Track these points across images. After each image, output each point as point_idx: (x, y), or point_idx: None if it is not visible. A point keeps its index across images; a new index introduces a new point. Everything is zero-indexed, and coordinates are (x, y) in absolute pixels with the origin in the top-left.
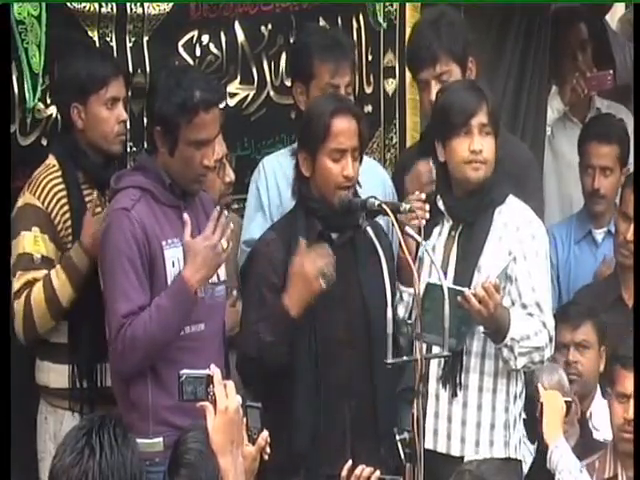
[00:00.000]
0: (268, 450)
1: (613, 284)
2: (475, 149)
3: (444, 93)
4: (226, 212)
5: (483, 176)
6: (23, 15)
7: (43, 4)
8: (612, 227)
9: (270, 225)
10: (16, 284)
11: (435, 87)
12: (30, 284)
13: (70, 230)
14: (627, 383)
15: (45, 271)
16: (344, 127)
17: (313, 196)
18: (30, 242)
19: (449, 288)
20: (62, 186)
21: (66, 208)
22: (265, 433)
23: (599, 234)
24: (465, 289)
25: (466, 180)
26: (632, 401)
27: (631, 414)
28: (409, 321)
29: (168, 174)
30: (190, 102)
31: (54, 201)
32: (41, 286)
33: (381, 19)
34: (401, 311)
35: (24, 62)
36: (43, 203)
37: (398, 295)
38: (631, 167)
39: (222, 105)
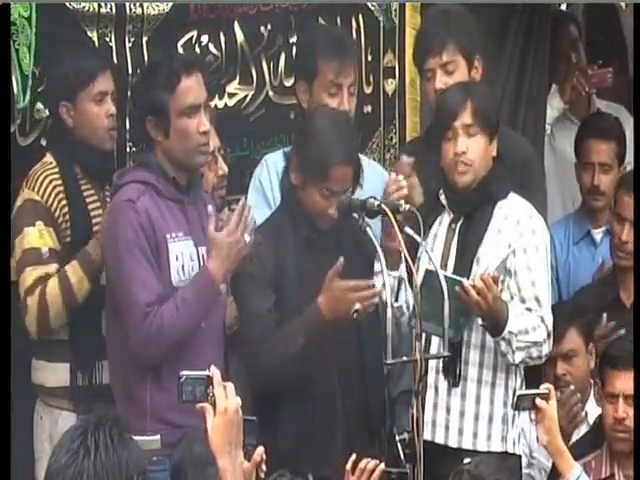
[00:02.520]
0: (264, 467)
1: (611, 285)
2: (458, 151)
3: (437, 98)
4: (226, 210)
5: (470, 180)
6: (14, 16)
7: (33, 5)
8: None
9: (259, 225)
10: (28, 280)
11: (440, 76)
12: (42, 280)
13: (69, 224)
14: (616, 383)
15: (55, 265)
16: (342, 176)
17: (299, 202)
18: (36, 236)
19: (448, 277)
20: (60, 181)
21: (64, 202)
22: (261, 449)
23: (597, 234)
24: (464, 280)
25: (454, 184)
26: (621, 400)
27: (621, 413)
28: (396, 304)
29: (171, 160)
30: (170, 72)
31: (52, 195)
32: (57, 282)
33: (394, 16)
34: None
35: (15, 63)
36: (42, 197)
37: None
38: (629, 166)
39: (221, 105)
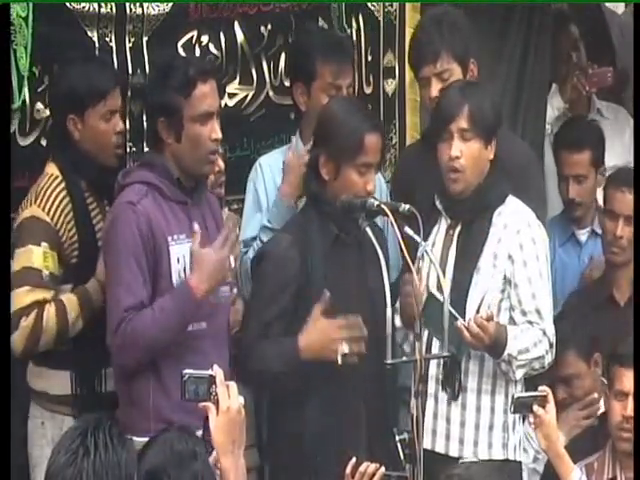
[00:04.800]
0: None
1: (603, 284)
2: (452, 155)
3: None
4: (226, 210)
5: (462, 188)
6: (12, 16)
7: (30, 5)
8: (596, 227)
9: (283, 227)
10: (24, 300)
11: (435, 84)
12: (39, 304)
13: (76, 245)
14: (625, 381)
15: (53, 291)
16: (375, 144)
17: (328, 199)
18: (39, 258)
19: (449, 311)
20: (67, 199)
21: (72, 222)
22: None
23: (582, 235)
24: (459, 321)
25: (448, 191)
26: (631, 398)
27: (629, 411)
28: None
29: (178, 163)
30: (185, 78)
31: (62, 216)
32: (54, 313)
33: (346, 25)
34: (397, 321)
35: (12, 64)
36: (52, 219)
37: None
38: (630, 164)
39: (221, 104)
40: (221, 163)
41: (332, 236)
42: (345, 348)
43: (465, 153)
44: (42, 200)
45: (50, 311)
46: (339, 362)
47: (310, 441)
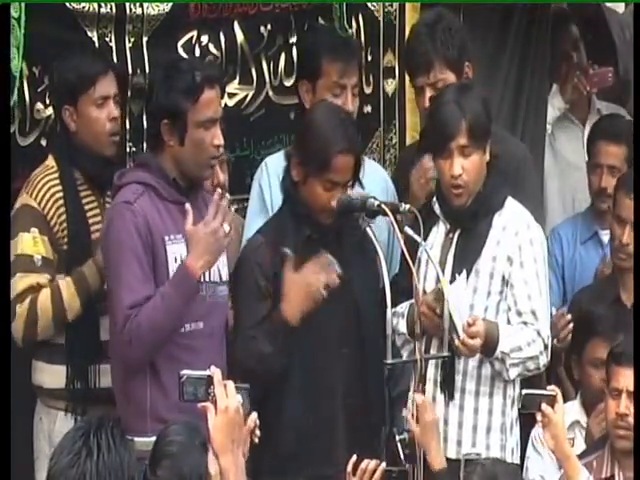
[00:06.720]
0: (258, 433)
1: (612, 285)
2: (454, 174)
3: (430, 108)
4: (228, 195)
5: (465, 200)
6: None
7: (23, 5)
8: None
9: (260, 227)
10: (18, 286)
11: (429, 94)
12: (33, 289)
13: (66, 232)
14: (620, 379)
15: (47, 275)
16: (344, 165)
17: (300, 200)
18: (29, 243)
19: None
20: (59, 187)
21: (62, 210)
22: (254, 415)
23: (605, 235)
24: (459, 336)
25: (450, 203)
26: (624, 396)
27: (623, 408)
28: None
29: (178, 165)
30: (193, 82)
31: (50, 202)
32: (49, 295)
33: (347, 24)
34: (402, 326)
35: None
36: (40, 204)
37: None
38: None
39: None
40: (221, 176)
41: (304, 236)
42: (323, 279)
43: (467, 168)
44: (32, 187)
45: (44, 294)
46: (324, 296)
47: (288, 441)
